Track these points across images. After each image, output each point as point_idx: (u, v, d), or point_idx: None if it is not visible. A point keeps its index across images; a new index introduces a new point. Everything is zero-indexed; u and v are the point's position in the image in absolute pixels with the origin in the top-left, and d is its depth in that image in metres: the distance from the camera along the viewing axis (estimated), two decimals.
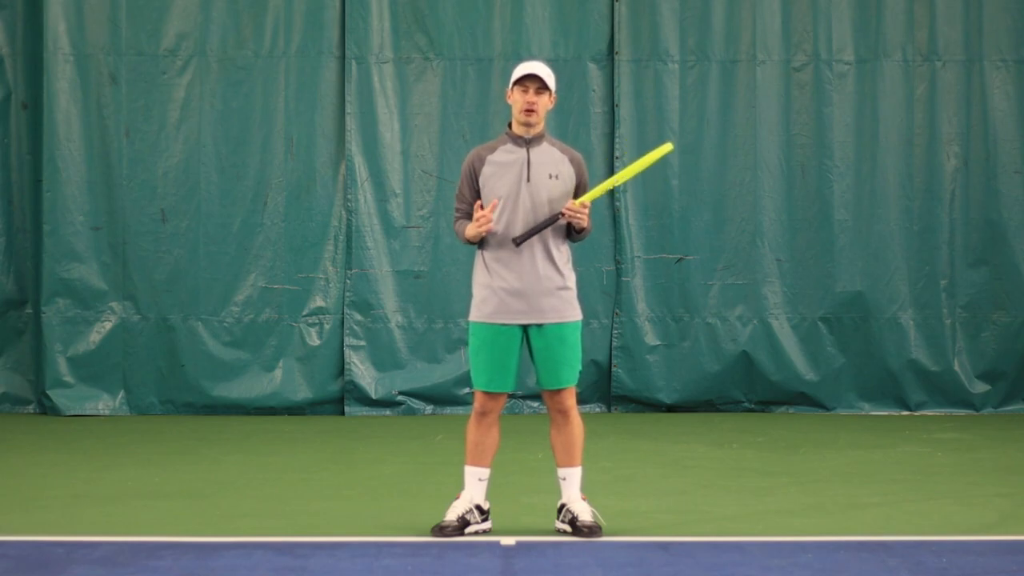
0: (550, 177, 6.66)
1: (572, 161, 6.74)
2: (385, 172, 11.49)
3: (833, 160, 11.66)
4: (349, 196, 11.46)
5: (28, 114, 11.44)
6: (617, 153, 11.47)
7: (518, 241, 6.60)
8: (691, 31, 11.61)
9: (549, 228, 6.64)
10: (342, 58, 11.47)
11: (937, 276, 11.73)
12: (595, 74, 11.58)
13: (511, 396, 10.02)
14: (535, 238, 6.62)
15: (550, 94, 6.68)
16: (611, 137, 11.56)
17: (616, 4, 11.54)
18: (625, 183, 10.67)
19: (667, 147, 6.79)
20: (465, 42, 11.52)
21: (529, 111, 6.63)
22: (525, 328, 6.68)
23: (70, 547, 6.45)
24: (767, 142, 11.64)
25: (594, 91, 11.58)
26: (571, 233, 6.73)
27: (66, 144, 11.28)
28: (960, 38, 11.70)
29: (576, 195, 6.71)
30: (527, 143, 6.69)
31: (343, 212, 11.49)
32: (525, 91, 6.64)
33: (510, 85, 6.69)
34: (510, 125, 6.74)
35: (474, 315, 6.73)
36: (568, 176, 6.70)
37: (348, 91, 11.44)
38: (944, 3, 11.68)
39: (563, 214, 6.61)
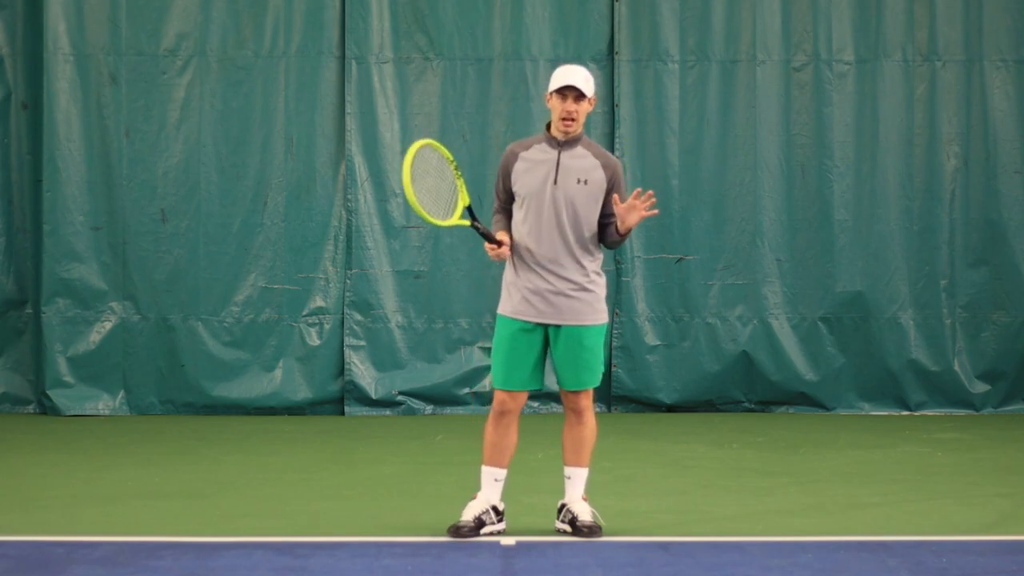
0: (578, 182, 6.66)
1: (605, 167, 6.72)
2: (385, 172, 11.49)
3: (833, 160, 11.66)
4: (349, 196, 11.46)
5: (28, 114, 11.43)
6: (617, 153, 11.46)
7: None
8: (691, 31, 11.61)
9: (581, 229, 6.64)
10: (342, 58, 11.46)
11: (937, 276, 11.73)
12: (595, 74, 11.54)
13: None
14: (563, 240, 6.63)
15: (589, 100, 6.69)
16: (611, 137, 11.56)
17: (616, 4, 11.53)
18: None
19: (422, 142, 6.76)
20: (465, 42, 11.52)
21: (568, 120, 6.66)
22: (546, 329, 6.70)
23: (70, 547, 6.45)
24: (767, 142, 11.63)
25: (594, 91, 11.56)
26: (605, 237, 6.72)
27: (66, 144, 11.28)
28: (960, 38, 11.69)
29: (606, 199, 6.68)
30: (560, 146, 6.71)
31: (343, 212, 11.49)
32: (564, 99, 6.66)
33: (549, 90, 6.70)
34: (548, 126, 6.76)
35: (501, 308, 6.78)
36: (598, 181, 6.68)
37: (348, 91, 11.44)
38: (944, 3, 11.67)
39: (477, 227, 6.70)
